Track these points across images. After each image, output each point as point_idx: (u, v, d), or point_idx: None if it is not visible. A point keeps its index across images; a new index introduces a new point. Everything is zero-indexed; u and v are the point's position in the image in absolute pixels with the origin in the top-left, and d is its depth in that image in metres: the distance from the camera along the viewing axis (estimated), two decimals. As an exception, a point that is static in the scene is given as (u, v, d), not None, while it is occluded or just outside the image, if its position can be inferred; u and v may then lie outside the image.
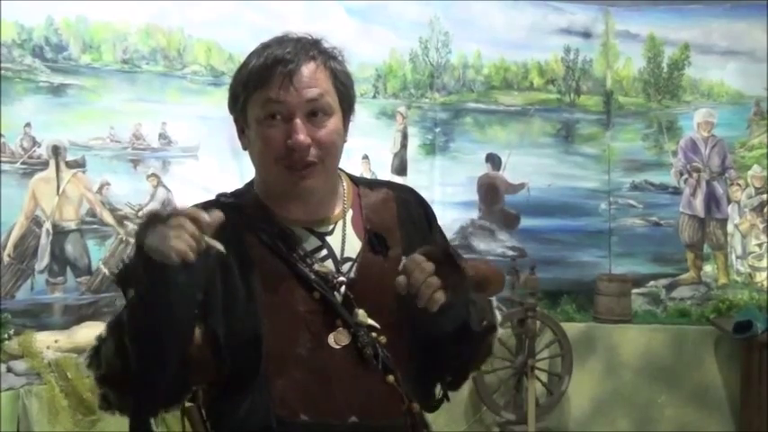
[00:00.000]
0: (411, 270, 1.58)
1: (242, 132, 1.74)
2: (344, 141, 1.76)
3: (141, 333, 1.52)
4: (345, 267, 1.73)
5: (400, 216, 1.83)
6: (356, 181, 1.88)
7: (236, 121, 1.75)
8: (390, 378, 1.68)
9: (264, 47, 1.70)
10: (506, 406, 5.13)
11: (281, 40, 1.70)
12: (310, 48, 1.70)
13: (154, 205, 4.53)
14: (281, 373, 1.64)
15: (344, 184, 1.83)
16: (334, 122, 1.70)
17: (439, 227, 1.93)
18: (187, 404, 1.72)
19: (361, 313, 1.68)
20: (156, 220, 1.46)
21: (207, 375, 1.63)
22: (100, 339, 1.64)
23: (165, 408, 1.64)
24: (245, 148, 1.75)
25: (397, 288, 1.58)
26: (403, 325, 1.67)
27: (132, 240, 4.37)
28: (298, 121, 1.65)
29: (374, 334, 1.69)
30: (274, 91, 1.65)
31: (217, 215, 1.47)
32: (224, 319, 1.63)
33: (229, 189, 1.82)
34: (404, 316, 1.65)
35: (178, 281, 1.46)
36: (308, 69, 1.67)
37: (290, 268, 1.68)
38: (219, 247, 1.47)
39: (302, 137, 1.64)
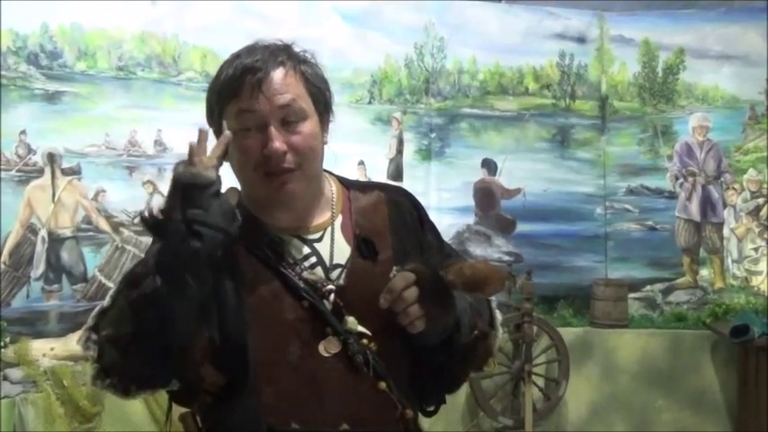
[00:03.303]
0: (393, 295, 1.60)
1: None
2: (324, 143, 1.75)
3: (171, 269, 1.53)
4: (335, 274, 1.72)
5: (391, 219, 1.82)
6: (347, 184, 1.87)
7: (215, 134, 1.74)
8: (382, 385, 1.68)
9: (234, 57, 1.70)
10: (503, 411, 5.13)
11: (251, 49, 1.70)
12: (279, 53, 1.69)
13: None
14: (271, 381, 1.64)
15: (333, 188, 1.82)
16: (309, 127, 1.69)
17: (433, 227, 1.91)
18: (183, 410, 1.72)
19: (350, 320, 1.68)
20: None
21: (206, 380, 1.63)
22: (102, 309, 1.60)
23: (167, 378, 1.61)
24: (226, 161, 1.74)
25: (380, 305, 1.60)
26: (394, 330, 1.65)
27: (129, 247, 4.39)
28: (272, 129, 1.64)
29: (365, 341, 1.68)
30: (245, 101, 1.65)
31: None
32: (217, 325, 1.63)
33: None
34: (395, 321, 1.64)
35: (211, 200, 1.55)
36: (277, 76, 1.66)
37: (278, 277, 1.68)
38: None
39: (277, 144, 1.64)
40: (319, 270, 1.71)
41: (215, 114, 1.71)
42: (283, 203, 1.70)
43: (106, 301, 1.61)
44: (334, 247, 1.74)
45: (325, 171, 1.81)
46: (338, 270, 1.72)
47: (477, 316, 1.79)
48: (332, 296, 1.69)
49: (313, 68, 1.73)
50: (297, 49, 1.73)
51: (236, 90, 1.65)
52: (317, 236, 1.75)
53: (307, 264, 1.71)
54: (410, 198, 1.91)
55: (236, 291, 1.65)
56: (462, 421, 5.19)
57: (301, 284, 1.68)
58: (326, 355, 1.66)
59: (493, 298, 1.88)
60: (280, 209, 1.72)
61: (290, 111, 1.66)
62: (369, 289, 1.65)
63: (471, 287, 1.71)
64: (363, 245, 1.75)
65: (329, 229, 1.76)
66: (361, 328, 1.68)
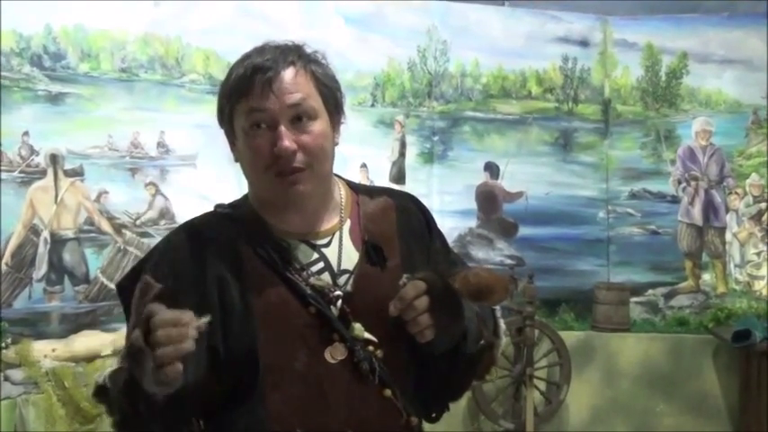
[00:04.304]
0: (404, 303, 1.59)
1: (233, 145, 1.73)
2: (335, 144, 1.74)
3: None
4: (342, 280, 1.70)
5: (400, 225, 1.81)
6: (355, 189, 1.85)
7: (226, 134, 1.74)
8: (388, 392, 1.67)
9: (245, 57, 1.69)
10: (505, 415, 5.13)
11: (262, 49, 1.69)
12: (290, 53, 1.68)
13: (152, 214, 4.53)
14: (277, 387, 1.62)
15: (342, 192, 1.80)
16: (319, 126, 1.67)
17: (440, 234, 1.91)
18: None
19: (357, 327, 1.66)
20: (140, 356, 1.43)
21: (206, 391, 1.62)
22: (107, 382, 1.59)
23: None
24: (236, 161, 1.73)
25: (390, 313, 1.59)
26: (401, 337, 1.64)
27: (131, 249, 4.38)
28: (282, 127, 1.63)
29: (371, 348, 1.67)
30: (256, 100, 1.63)
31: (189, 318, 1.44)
32: (221, 334, 1.61)
33: (227, 199, 1.81)
34: (402, 328, 1.62)
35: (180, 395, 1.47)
36: (287, 75, 1.65)
37: (285, 282, 1.66)
38: (204, 321, 1.45)
39: (287, 143, 1.62)
40: (327, 276, 1.70)
41: (225, 114, 1.70)
42: (293, 204, 1.69)
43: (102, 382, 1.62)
44: (342, 252, 1.73)
45: (335, 175, 1.80)
46: (345, 276, 1.71)
47: (482, 325, 1.78)
48: (339, 302, 1.68)
49: (323, 69, 1.72)
50: (307, 50, 1.72)
51: (247, 89, 1.64)
52: (324, 241, 1.73)
53: (314, 269, 1.69)
54: (418, 204, 1.90)
55: (243, 296, 1.64)
56: (463, 424, 5.19)
57: (308, 290, 1.66)
58: (332, 361, 1.65)
59: (497, 306, 1.87)
60: (289, 211, 1.70)
61: (301, 109, 1.65)
62: (376, 296, 1.64)
63: (476, 296, 1.70)
64: (372, 251, 1.74)
65: (337, 233, 1.75)
66: (367, 335, 1.67)
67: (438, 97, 5.51)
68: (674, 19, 5.78)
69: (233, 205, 1.78)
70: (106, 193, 4.45)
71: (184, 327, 1.41)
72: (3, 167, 4.15)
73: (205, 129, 4.43)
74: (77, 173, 4.37)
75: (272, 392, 1.62)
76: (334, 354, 1.65)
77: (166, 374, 1.40)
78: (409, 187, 5.17)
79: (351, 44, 5.15)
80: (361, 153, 5.09)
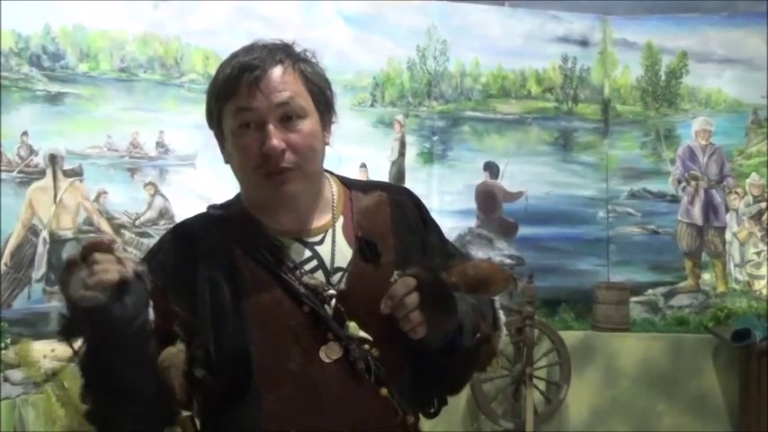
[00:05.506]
0: (394, 301, 1.57)
1: (223, 146, 1.72)
2: (326, 144, 1.72)
3: (100, 377, 1.55)
4: (336, 278, 1.69)
5: (394, 220, 1.79)
6: (348, 184, 1.83)
7: (215, 135, 1.73)
8: (384, 391, 1.65)
9: (232, 57, 1.67)
10: (504, 415, 5.13)
11: (249, 48, 1.67)
12: (277, 52, 1.66)
13: (151, 214, 4.53)
14: (271, 388, 1.61)
15: (334, 189, 1.78)
16: (309, 125, 1.66)
17: (436, 227, 1.88)
18: (183, 413, 1.70)
19: (352, 326, 1.65)
20: (71, 267, 1.46)
21: (200, 392, 1.62)
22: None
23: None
24: (227, 162, 1.72)
25: (381, 311, 1.58)
26: (396, 335, 1.62)
27: (130, 249, 4.37)
28: (270, 126, 1.62)
29: (366, 346, 1.65)
30: (243, 99, 1.62)
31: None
32: (213, 335, 1.61)
33: (222, 200, 1.80)
34: (396, 326, 1.61)
35: (113, 315, 1.46)
36: (275, 74, 1.63)
37: (278, 281, 1.65)
38: (141, 268, 1.49)
39: (275, 142, 1.61)
40: (320, 274, 1.68)
41: (214, 115, 1.69)
42: (283, 204, 1.67)
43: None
44: (336, 249, 1.71)
45: (326, 171, 1.79)
46: (339, 273, 1.69)
47: (479, 318, 1.76)
48: (333, 301, 1.66)
49: (313, 67, 1.70)
50: (297, 48, 1.71)
51: (234, 88, 1.63)
52: (317, 238, 1.71)
53: (307, 267, 1.68)
54: (413, 198, 1.88)
55: (236, 296, 1.62)
56: (463, 424, 5.18)
57: (302, 289, 1.64)
58: (327, 360, 1.63)
59: (496, 298, 1.85)
60: (280, 210, 1.69)
61: (289, 108, 1.64)
62: (371, 293, 1.62)
63: (475, 288, 1.68)
64: (365, 247, 1.72)
65: (330, 231, 1.73)
66: (362, 334, 1.65)
67: (438, 97, 5.51)
68: (674, 18, 5.77)
69: (225, 205, 1.77)
70: (105, 193, 4.45)
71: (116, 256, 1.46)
72: (2, 167, 4.16)
73: (204, 129, 4.36)
74: (76, 173, 4.37)
75: (266, 393, 1.61)
76: (329, 353, 1.64)
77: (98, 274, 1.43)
78: (409, 187, 5.13)
79: (350, 44, 5.15)
80: (361, 153, 5.09)
